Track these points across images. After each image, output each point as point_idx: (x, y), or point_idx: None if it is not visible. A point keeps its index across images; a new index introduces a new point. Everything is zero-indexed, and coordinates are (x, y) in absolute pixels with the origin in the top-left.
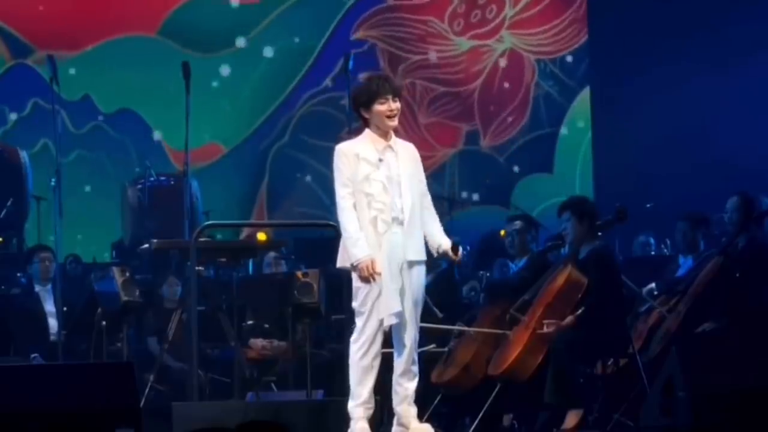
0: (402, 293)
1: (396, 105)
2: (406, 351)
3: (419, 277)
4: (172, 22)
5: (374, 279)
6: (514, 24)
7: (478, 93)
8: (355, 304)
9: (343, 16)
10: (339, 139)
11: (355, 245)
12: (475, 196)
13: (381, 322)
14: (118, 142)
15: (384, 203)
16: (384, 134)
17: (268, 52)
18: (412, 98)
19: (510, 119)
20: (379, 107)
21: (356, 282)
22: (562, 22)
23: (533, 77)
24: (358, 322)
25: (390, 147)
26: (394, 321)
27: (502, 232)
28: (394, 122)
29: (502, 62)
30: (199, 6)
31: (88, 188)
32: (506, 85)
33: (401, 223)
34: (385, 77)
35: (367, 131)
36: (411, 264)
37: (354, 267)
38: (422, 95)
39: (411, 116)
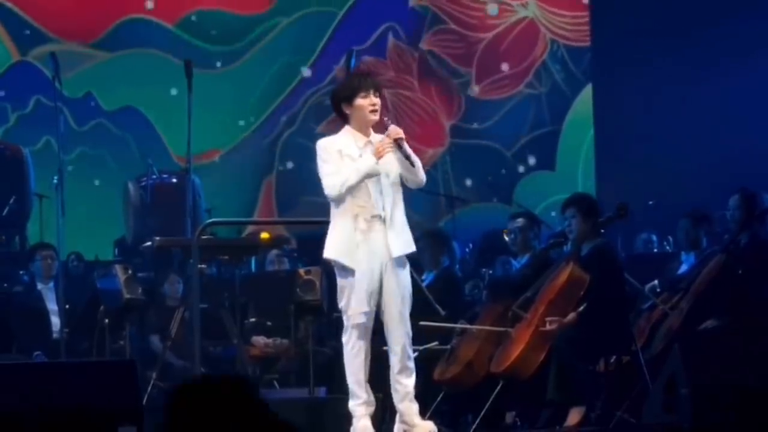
0: (389, 293)
1: (377, 100)
2: (400, 349)
3: (405, 273)
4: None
5: (394, 142)
6: None
7: (485, 44)
8: (341, 304)
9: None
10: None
11: (359, 166)
12: (469, 182)
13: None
14: (120, 139)
15: (365, 201)
16: (364, 130)
17: (270, 62)
18: (420, 22)
19: (504, 82)
20: (362, 101)
21: (340, 281)
22: (588, 15)
23: (543, 54)
24: (346, 321)
25: (370, 143)
26: (362, 320)
27: (505, 233)
28: (376, 116)
29: (519, 27)
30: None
31: (90, 186)
32: (514, 49)
33: (383, 221)
34: (366, 74)
35: (346, 128)
36: (396, 261)
37: (377, 161)
38: (431, 23)
39: (412, 44)
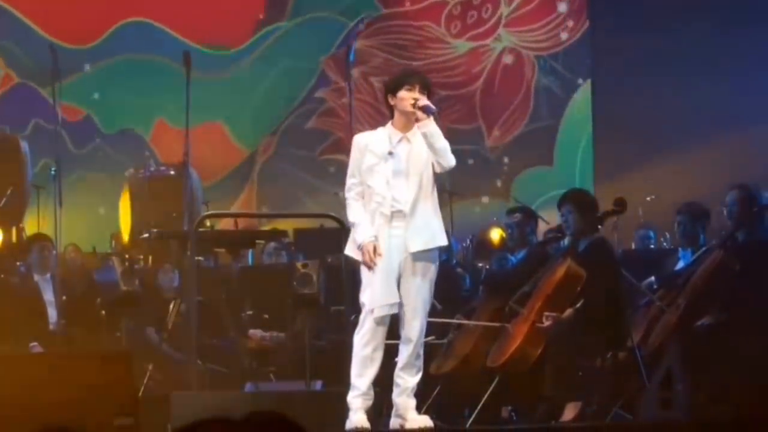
0: (405, 288)
1: (420, 96)
2: (412, 345)
3: (426, 271)
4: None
5: (374, 263)
6: (511, 22)
7: (480, 93)
8: (362, 298)
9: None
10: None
11: (356, 230)
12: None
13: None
14: (118, 162)
15: (383, 197)
16: (405, 125)
17: (270, 74)
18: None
19: (513, 117)
20: (405, 93)
21: (362, 273)
22: (558, 16)
23: (533, 74)
24: (362, 313)
25: (407, 139)
26: (384, 312)
27: (494, 234)
28: (413, 110)
29: (502, 61)
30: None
31: (89, 203)
32: (507, 83)
33: (404, 216)
34: (419, 71)
35: (389, 123)
36: (415, 257)
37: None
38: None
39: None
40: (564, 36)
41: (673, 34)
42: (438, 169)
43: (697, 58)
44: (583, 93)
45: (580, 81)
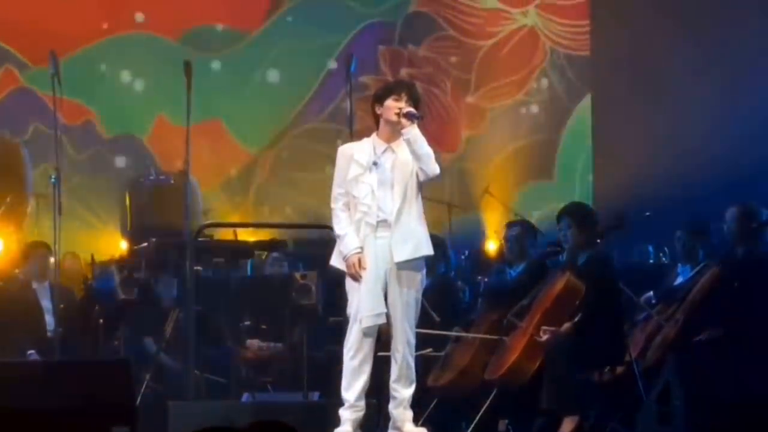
0: (391, 299)
1: (406, 106)
2: (400, 356)
3: (412, 281)
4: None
5: (360, 275)
6: (545, 6)
7: (484, 52)
8: (348, 310)
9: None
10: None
11: (342, 242)
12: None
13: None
14: (118, 169)
15: (368, 206)
16: (390, 136)
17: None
18: (420, 25)
19: (504, 90)
20: (391, 102)
21: (348, 285)
22: (588, 25)
23: (542, 62)
24: (349, 324)
25: (391, 149)
26: (371, 323)
27: (493, 247)
28: (397, 119)
29: (518, 35)
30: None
31: (89, 211)
32: (513, 57)
33: (389, 226)
34: (411, 83)
35: (374, 133)
36: (400, 267)
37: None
38: (430, 29)
39: (413, 46)
40: (583, 46)
41: (673, 48)
42: (422, 177)
43: (699, 71)
44: (583, 107)
45: (583, 93)
